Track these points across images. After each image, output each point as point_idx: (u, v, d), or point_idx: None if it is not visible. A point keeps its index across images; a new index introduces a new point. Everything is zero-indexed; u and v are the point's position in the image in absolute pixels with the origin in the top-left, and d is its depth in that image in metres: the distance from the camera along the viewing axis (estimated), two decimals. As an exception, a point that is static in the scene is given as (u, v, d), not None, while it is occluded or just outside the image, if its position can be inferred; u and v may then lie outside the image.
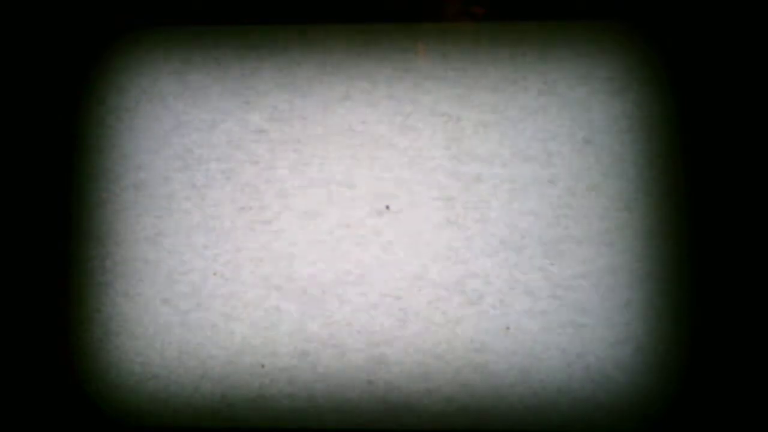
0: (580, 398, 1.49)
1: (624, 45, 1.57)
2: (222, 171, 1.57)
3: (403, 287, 1.53)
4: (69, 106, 1.59)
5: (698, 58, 1.54)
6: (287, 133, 1.58)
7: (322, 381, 1.52)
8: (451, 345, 1.51)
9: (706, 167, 1.52)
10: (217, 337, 1.53)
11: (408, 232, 1.54)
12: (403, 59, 1.58)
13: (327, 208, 1.55)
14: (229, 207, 1.56)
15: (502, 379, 1.50)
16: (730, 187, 1.51)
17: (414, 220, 1.54)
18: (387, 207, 1.55)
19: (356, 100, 1.58)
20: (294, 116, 1.58)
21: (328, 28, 1.60)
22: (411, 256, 1.54)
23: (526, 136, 1.55)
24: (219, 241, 1.55)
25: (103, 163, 1.58)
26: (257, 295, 1.54)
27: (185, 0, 1.63)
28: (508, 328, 1.51)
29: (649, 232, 1.52)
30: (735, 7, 1.54)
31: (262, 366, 1.52)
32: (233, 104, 1.59)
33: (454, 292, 1.52)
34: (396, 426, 1.50)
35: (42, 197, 1.57)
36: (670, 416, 1.48)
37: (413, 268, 1.53)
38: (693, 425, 1.47)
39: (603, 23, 1.58)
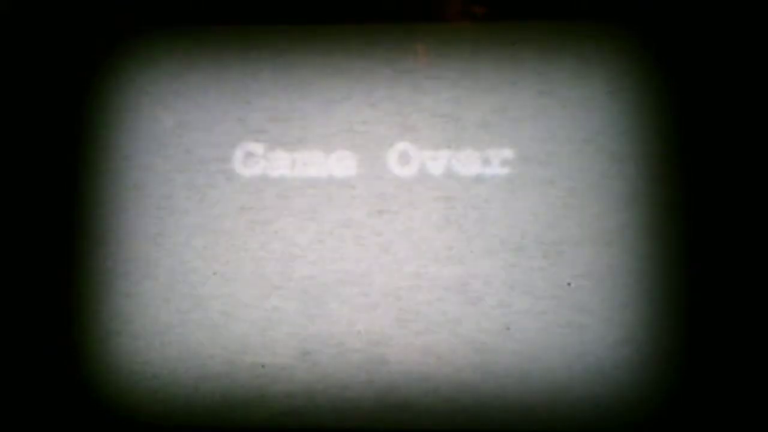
0: (580, 398, 1.49)
1: (623, 45, 1.57)
2: (222, 171, 1.57)
3: (403, 287, 1.53)
4: (70, 107, 1.60)
5: (697, 59, 1.54)
6: (287, 133, 1.58)
7: (322, 381, 1.52)
8: (451, 345, 1.51)
9: (705, 167, 1.52)
10: (217, 337, 1.53)
11: (408, 232, 1.54)
12: (403, 59, 1.58)
13: (327, 208, 1.55)
14: (229, 207, 1.56)
15: (502, 379, 1.50)
16: (730, 187, 1.51)
17: (414, 220, 1.54)
18: (387, 207, 1.55)
19: (356, 100, 1.58)
20: (294, 116, 1.58)
21: (328, 28, 1.60)
22: (411, 256, 1.54)
23: (526, 136, 1.55)
24: (219, 241, 1.55)
25: (104, 164, 1.58)
26: (257, 295, 1.54)
27: (185, 1, 1.63)
28: (508, 328, 1.51)
29: (649, 232, 1.52)
30: (734, 8, 1.54)
31: (262, 366, 1.52)
32: (233, 104, 1.59)
33: (454, 292, 1.52)
34: (396, 426, 1.50)
35: (43, 197, 1.57)
36: (670, 416, 1.48)
37: (413, 268, 1.53)
38: (693, 425, 1.47)
39: (603, 24, 1.58)
